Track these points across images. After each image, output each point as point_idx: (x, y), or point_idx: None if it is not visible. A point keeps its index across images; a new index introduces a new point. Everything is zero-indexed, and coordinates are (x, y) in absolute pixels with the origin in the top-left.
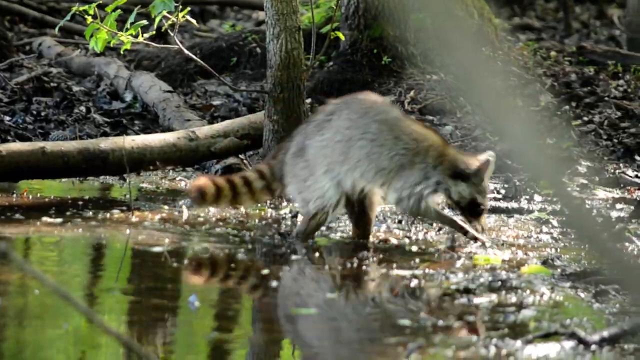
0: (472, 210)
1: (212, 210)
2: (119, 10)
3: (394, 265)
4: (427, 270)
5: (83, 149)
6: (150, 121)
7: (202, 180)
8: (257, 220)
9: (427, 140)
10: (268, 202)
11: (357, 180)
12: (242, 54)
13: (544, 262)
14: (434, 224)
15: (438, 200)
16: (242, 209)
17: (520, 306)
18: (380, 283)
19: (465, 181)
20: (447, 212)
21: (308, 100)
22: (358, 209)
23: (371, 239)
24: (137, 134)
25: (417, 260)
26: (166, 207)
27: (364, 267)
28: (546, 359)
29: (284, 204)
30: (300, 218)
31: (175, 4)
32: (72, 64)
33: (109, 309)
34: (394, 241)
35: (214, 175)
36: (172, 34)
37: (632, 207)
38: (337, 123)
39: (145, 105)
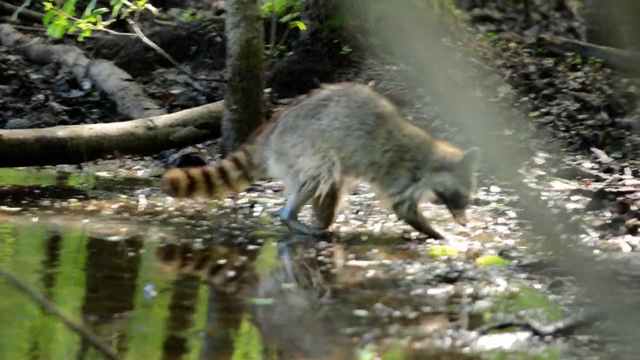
0: (456, 202)
1: (170, 199)
2: None
3: (352, 256)
4: (384, 261)
5: (41, 137)
6: (109, 110)
7: (175, 172)
8: (214, 210)
9: (417, 137)
10: None
11: (349, 170)
12: (202, 42)
13: (500, 253)
14: (389, 215)
15: (430, 196)
16: (200, 199)
17: (476, 297)
18: (337, 273)
19: (449, 172)
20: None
21: (267, 90)
22: (325, 200)
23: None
24: (96, 122)
25: (375, 251)
26: (124, 196)
27: (321, 258)
28: (501, 350)
29: (242, 193)
30: (288, 198)
31: None
32: (30, 52)
33: (65, 298)
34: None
35: (189, 167)
36: (131, 22)
37: (589, 199)
38: (336, 110)
39: (104, 94)
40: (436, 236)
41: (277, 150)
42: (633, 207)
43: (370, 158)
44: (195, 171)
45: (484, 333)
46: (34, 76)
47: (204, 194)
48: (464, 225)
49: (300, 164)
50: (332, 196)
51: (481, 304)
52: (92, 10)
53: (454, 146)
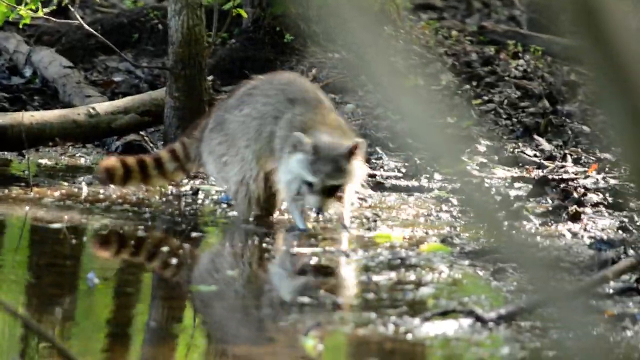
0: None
1: (113, 187)
2: None
3: (295, 243)
4: (327, 248)
5: None
6: (50, 97)
7: (111, 161)
8: (157, 198)
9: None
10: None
11: (269, 160)
12: (144, 30)
13: (443, 240)
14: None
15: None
16: (143, 186)
17: (419, 284)
18: (281, 261)
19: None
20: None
21: (210, 78)
22: (266, 188)
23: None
24: (37, 109)
25: (318, 238)
26: (66, 183)
27: (264, 245)
28: (444, 336)
29: (185, 181)
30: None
31: None
32: None
33: (6, 286)
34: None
35: (124, 155)
36: (72, 9)
37: (530, 186)
38: (256, 99)
39: (45, 81)
40: (299, 228)
41: (207, 147)
42: (574, 194)
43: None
44: (131, 160)
45: (427, 320)
46: None
47: (139, 183)
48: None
49: (226, 168)
50: (268, 185)
51: (424, 291)
52: None
53: (348, 138)
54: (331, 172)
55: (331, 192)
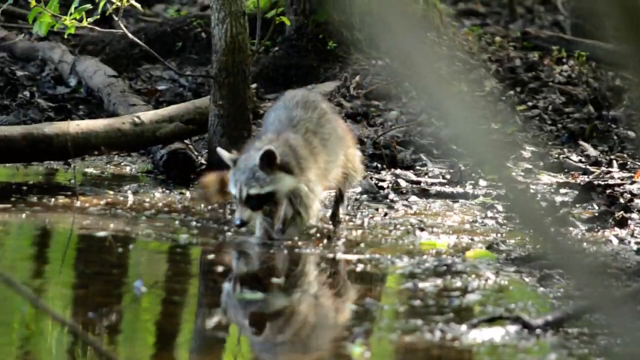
0: None
1: (158, 195)
2: None
3: (340, 249)
4: (372, 255)
5: (27, 133)
6: (95, 106)
7: (210, 176)
8: (202, 206)
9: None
10: None
11: None
12: (187, 38)
13: (489, 247)
14: (380, 210)
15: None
16: (188, 194)
17: (465, 291)
18: (327, 268)
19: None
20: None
21: (253, 85)
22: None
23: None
24: (82, 118)
25: (363, 245)
26: (111, 192)
27: (310, 252)
28: (491, 343)
29: None
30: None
31: None
32: (15, 49)
33: (54, 294)
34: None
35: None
36: (116, 19)
37: (576, 192)
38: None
39: (90, 90)
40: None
41: None
42: (621, 200)
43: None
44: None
45: (473, 326)
46: (19, 73)
47: None
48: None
49: None
50: None
51: (471, 298)
52: (77, 7)
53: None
54: (246, 181)
55: (253, 203)
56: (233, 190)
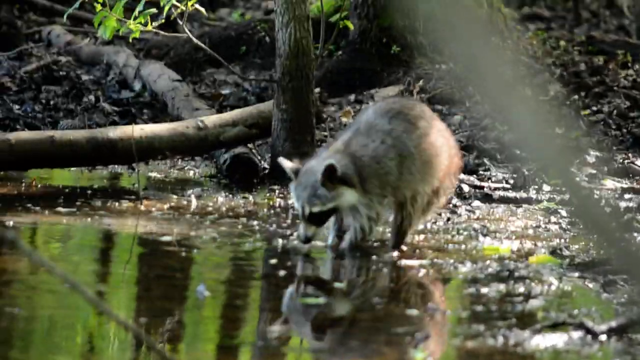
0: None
1: (221, 199)
2: None
3: (402, 255)
4: (435, 260)
5: (91, 137)
6: (159, 110)
7: None
8: (265, 210)
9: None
10: (277, 191)
11: None
12: (251, 43)
13: (553, 252)
14: (443, 215)
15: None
16: (251, 199)
17: (528, 296)
18: (389, 273)
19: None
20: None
21: (317, 90)
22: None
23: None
24: (146, 123)
25: (426, 250)
26: (175, 196)
27: (372, 257)
28: (554, 349)
29: None
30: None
31: None
32: (81, 53)
33: (118, 298)
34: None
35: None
36: (181, 23)
37: None
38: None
39: (154, 94)
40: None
41: None
42: None
43: None
44: None
45: (537, 332)
46: (84, 77)
47: None
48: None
49: None
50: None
51: (533, 303)
52: (141, 11)
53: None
54: (308, 199)
55: (316, 219)
56: (296, 204)
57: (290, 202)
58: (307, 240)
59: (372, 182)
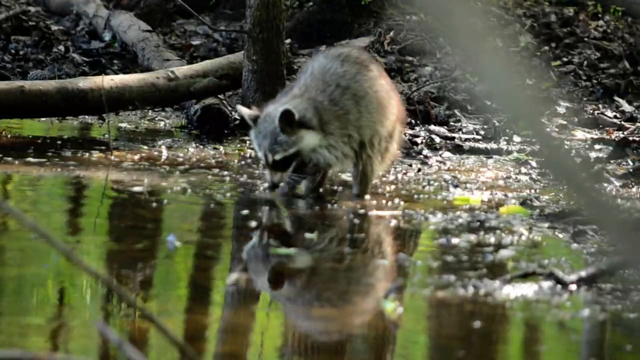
0: None
1: (192, 150)
2: None
3: (372, 205)
4: (406, 211)
5: (62, 88)
6: (130, 61)
7: None
8: (236, 161)
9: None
10: (247, 142)
11: None
12: None
13: (523, 203)
14: (414, 166)
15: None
16: (222, 149)
17: (498, 246)
18: (360, 224)
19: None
20: None
21: (287, 41)
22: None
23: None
24: (116, 73)
25: (396, 201)
26: (145, 147)
27: (343, 208)
28: (524, 299)
29: None
30: None
31: None
32: (50, 3)
33: (88, 248)
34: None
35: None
36: None
37: (611, 148)
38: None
39: (124, 45)
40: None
41: None
42: None
43: None
44: None
45: (507, 282)
46: (54, 27)
47: None
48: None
49: None
50: None
51: (504, 253)
52: None
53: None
54: (269, 147)
55: (280, 165)
56: (259, 153)
57: None
58: (274, 186)
59: (333, 123)
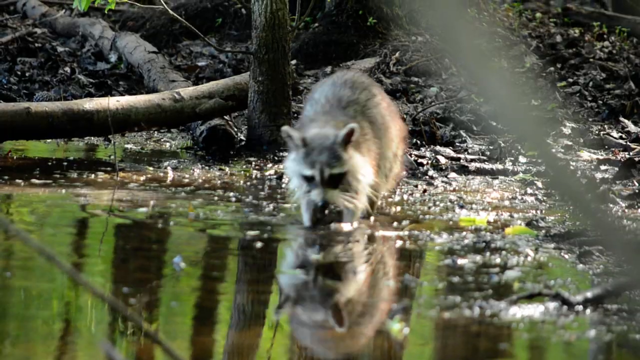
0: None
1: (197, 171)
2: None
3: (379, 226)
4: (412, 231)
5: (67, 109)
6: (135, 82)
7: None
8: (242, 182)
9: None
10: (253, 163)
11: None
12: (227, 14)
13: (529, 224)
14: (419, 186)
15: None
16: (227, 170)
17: (504, 267)
18: (366, 244)
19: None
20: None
21: (293, 62)
22: None
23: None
24: (122, 94)
25: (402, 222)
26: (151, 168)
27: (349, 229)
28: (530, 320)
29: (269, 165)
30: None
31: None
32: (56, 25)
33: (94, 269)
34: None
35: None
36: None
37: (616, 168)
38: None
39: (130, 66)
40: (305, 225)
41: None
42: None
43: None
44: None
45: (513, 303)
46: (60, 49)
47: None
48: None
49: None
50: None
51: (510, 274)
52: None
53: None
54: (328, 161)
55: (333, 181)
56: (310, 171)
57: (268, 173)
58: (326, 204)
59: (364, 147)
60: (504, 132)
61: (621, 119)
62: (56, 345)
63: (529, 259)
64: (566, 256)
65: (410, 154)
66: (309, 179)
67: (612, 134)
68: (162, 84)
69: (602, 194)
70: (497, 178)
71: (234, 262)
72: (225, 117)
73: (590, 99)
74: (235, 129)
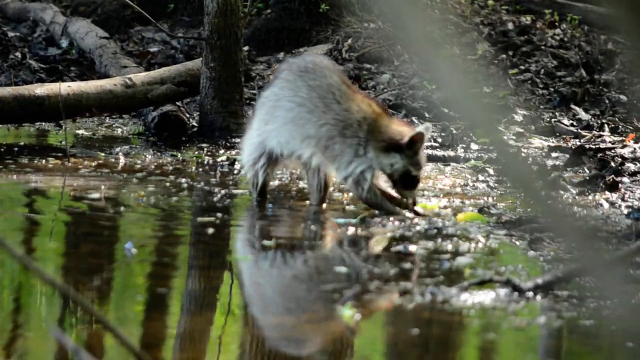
0: (405, 182)
1: (149, 157)
2: None
3: (332, 214)
4: (363, 218)
5: (18, 95)
6: (87, 68)
7: None
8: (194, 168)
9: (360, 111)
10: (205, 149)
11: (282, 144)
12: (180, 0)
13: (480, 210)
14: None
15: (378, 175)
16: (179, 156)
17: (456, 253)
18: (317, 231)
19: (397, 153)
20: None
21: (245, 48)
22: (310, 175)
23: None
24: (74, 80)
25: (353, 208)
26: (102, 154)
27: (301, 216)
28: (481, 306)
29: (221, 151)
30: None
31: None
32: (7, 9)
33: (45, 255)
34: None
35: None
36: None
37: (567, 156)
38: (276, 81)
39: (81, 52)
40: (395, 214)
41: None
42: (612, 164)
43: (303, 132)
44: None
45: (464, 289)
46: (11, 34)
47: None
48: (412, 205)
49: (244, 145)
50: (313, 172)
51: (461, 261)
52: None
53: (403, 125)
54: (423, 164)
55: (415, 183)
56: (416, 172)
57: (220, 159)
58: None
59: None
60: (456, 119)
61: (572, 106)
62: (5, 331)
63: (480, 245)
64: (517, 243)
65: None
66: (406, 179)
67: (563, 121)
68: (114, 69)
69: (553, 181)
70: (449, 165)
71: (185, 248)
72: (177, 103)
73: (541, 86)
74: (187, 115)
